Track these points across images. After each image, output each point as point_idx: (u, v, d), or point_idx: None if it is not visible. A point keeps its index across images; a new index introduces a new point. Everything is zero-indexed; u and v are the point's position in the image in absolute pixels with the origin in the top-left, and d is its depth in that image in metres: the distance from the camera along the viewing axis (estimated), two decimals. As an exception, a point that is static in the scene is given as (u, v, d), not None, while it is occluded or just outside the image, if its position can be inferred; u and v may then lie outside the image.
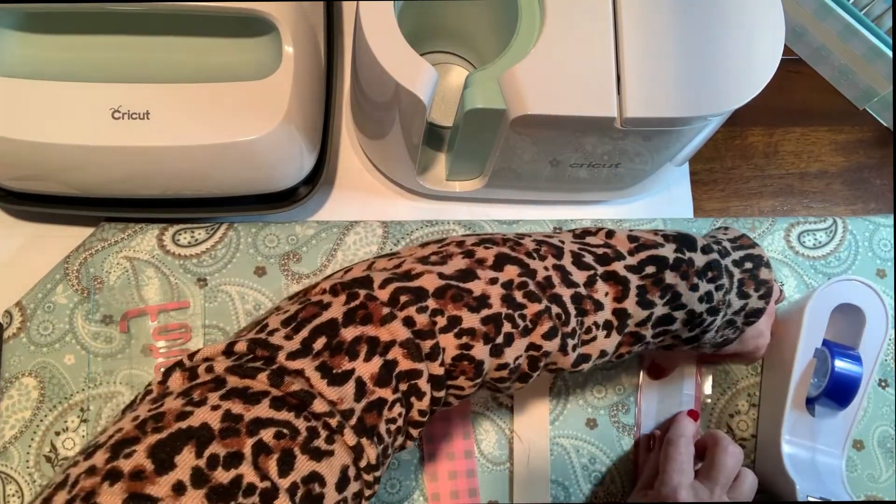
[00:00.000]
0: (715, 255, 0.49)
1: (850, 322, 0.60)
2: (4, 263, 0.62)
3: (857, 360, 0.58)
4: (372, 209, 0.67)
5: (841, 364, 0.57)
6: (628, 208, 0.69)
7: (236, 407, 0.34)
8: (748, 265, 0.51)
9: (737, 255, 0.52)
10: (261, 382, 0.36)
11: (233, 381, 0.36)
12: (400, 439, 0.41)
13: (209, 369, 0.37)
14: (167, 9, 0.55)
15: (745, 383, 0.63)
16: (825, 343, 0.59)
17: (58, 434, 0.57)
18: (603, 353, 0.46)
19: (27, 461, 0.56)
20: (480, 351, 0.41)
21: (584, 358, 0.46)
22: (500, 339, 0.42)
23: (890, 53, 0.68)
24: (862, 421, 0.63)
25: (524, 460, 0.60)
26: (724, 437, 0.54)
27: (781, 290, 0.60)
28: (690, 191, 0.70)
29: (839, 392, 0.57)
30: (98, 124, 0.53)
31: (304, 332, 0.38)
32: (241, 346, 0.37)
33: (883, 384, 0.64)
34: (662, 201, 0.70)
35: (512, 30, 0.54)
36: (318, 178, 0.62)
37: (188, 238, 0.62)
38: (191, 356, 0.38)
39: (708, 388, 0.63)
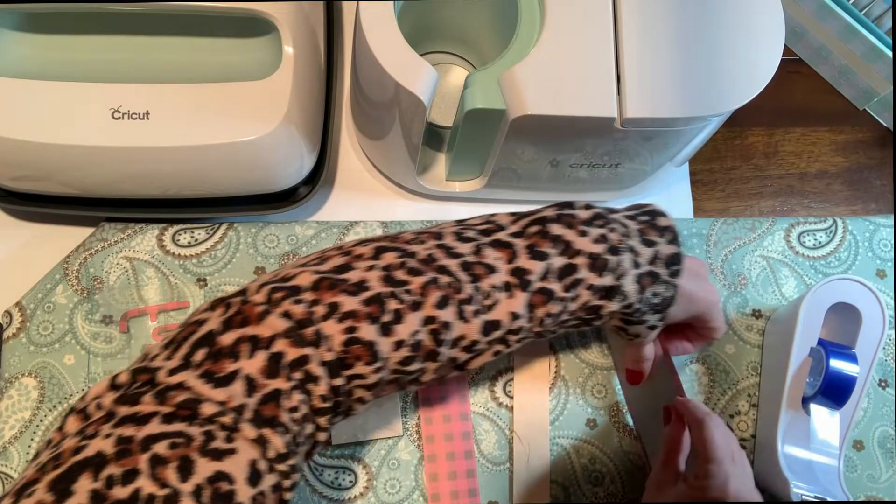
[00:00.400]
0: (598, 210, 0.50)
1: (847, 321, 0.60)
2: (4, 263, 0.62)
3: (852, 358, 0.58)
4: (372, 209, 0.67)
5: (836, 363, 0.57)
6: (628, 208, 0.69)
7: (128, 431, 0.35)
8: (643, 218, 0.51)
9: (628, 212, 0.51)
10: (147, 404, 0.37)
11: (122, 411, 0.37)
12: (308, 427, 0.40)
13: (99, 406, 0.38)
14: (167, 9, 0.55)
15: (745, 384, 0.63)
16: (821, 342, 0.59)
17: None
18: (514, 316, 0.45)
19: (27, 461, 0.56)
20: (368, 331, 0.41)
21: (494, 325, 0.45)
22: (387, 318, 0.42)
23: (890, 54, 0.68)
24: (862, 421, 0.63)
25: (524, 461, 0.60)
26: (705, 410, 0.53)
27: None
28: (690, 191, 0.70)
29: (834, 391, 0.57)
30: (98, 124, 0.53)
31: (184, 349, 0.39)
32: (123, 378, 0.39)
33: (883, 384, 0.64)
34: (662, 202, 0.69)
35: (512, 30, 0.54)
36: (318, 178, 0.62)
37: (188, 238, 0.62)
38: (82, 398, 0.39)
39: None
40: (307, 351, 0.40)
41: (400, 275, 0.43)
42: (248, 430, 0.37)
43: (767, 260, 0.66)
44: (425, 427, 0.59)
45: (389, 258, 0.44)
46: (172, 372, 0.38)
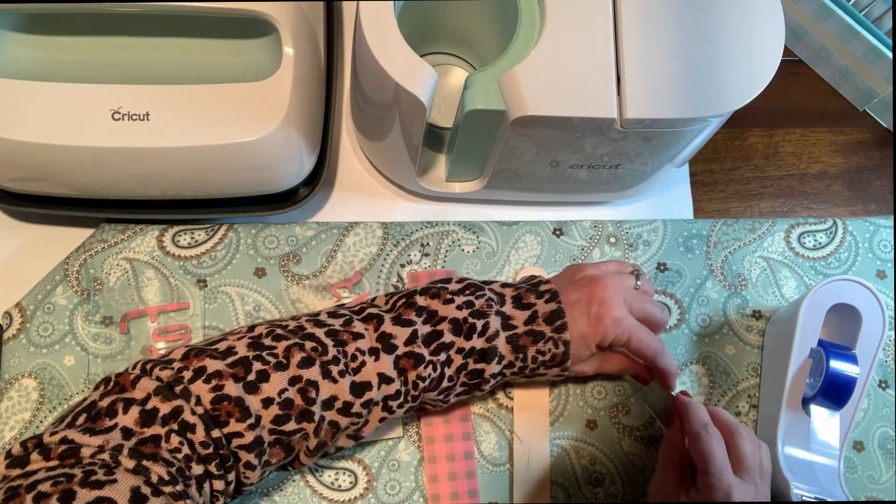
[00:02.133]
0: (471, 281, 0.53)
1: (847, 322, 0.60)
2: (4, 264, 0.62)
3: (852, 359, 0.58)
4: (372, 210, 0.67)
5: (836, 364, 0.57)
6: (628, 209, 0.69)
7: (17, 482, 0.38)
8: (522, 286, 0.54)
9: (504, 281, 0.55)
10: (34, 462, 0.40)
11: (14, 472, 0.40)
12: (197, 469, 0.43)
13: None
14: (167, 10, 0.55)
15: (746, 385, 0.63)
16: (821, 343, 0.59)
17: None
18: (384, 378, 0.48)
19: (27, 462, 0.56)
20: (233, 388, 0.44)
21: (364, 386, 0.48)
22: (251, 377, 0.45)
23: (890, 55, 0.68)
24: (862, 422, 0.63)
25: (524, 461, 0.60)
26: (733, 422, 0.52)
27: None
28: (690, 192, 0.70)
29: (834, 392, 0.57)
30: (98, 125, 0.53)
31: (68, 418, 0.43)
32: (15, 450, 0.42)
33: (883, 385, 0.64)
34: (662, 202, 0.70)
35: (512, 31, 0.54)
36: (318, 179, 0.62)
37: (188, 239, 0.62)
38: None
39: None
40: (179, 402, 0.43)
41: (266, 341, 0.47)
42: (127, 461, 0.40)
43: (767, 261, 0.66)
44: (425, 428, 0.59)
45: (259, 329, 0.49)
46: (55, 433, 0.41)
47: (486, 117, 0.53)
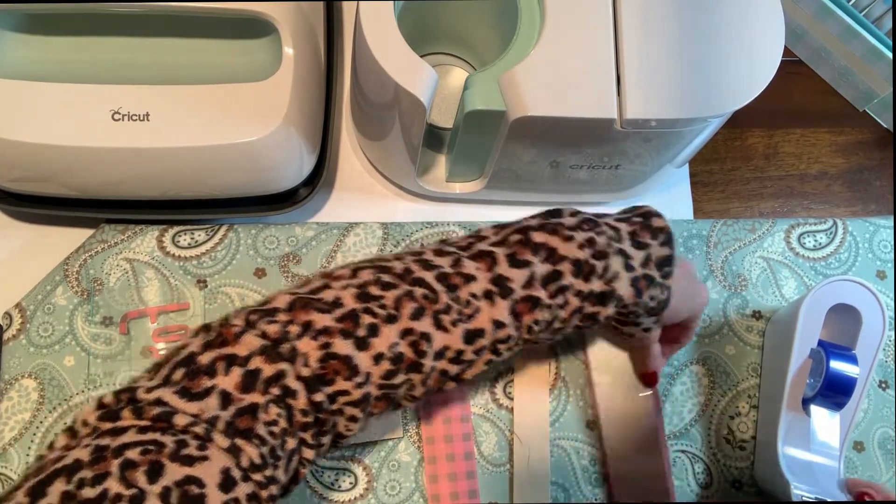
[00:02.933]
0: (586, 215, 0.49)
1: (847, 322, 0.60)
2: (4, 265, 0.62)
3: (852, 360, 0.57)
4: (372, 211, 0.67)
5: (836, 364, 0.57)
6: (628, 210, 0.69)
7: (104, 440, 0.37)
8: (636, 219, 0.50)
9: (620, 214, 0.51)
10: (125, 419, 0.38)
11: (104, 426, 0.38)
12: (291, 442, 0.41)
13: (85, 423, 0.39)
14: (167, 10, 0.55)
15: (746, 385, 0.63)
16: (821, 343, 0.59)
17: (57, 436, 0.57)
18: (498, 324, 0.45)
19: (27, 463, 0.56)
20: (343, 346, 0.42)
21: (477, 333, 0.45)
22: (361, 332, 0.42)
23: (890, 55, 0.68)
24: (862, 422, 0.63)
25: (524, 462, 0.60)
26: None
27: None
28: (690, 192, 0.70)
29: (835, 392, 0.57)
30: (98, 126, 0.53)
31: (164, 370, 0.41)
32: (108, 399, 0.40)
33: (883, 385, 0.64)
34: (662, 203, 0.69)
35: (512, 31, 0.54)
36: (318, 179, 0.62)
37: (188, 239, 0.62)
38: (73, 421, 0.41)
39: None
40: (283, 366, 0.40)
41: (374, 290, 0.44)
42: (221, 440, 0.38)
43: (768, 261, 0.66)
44: (425, 429, 0.59)
45: (365, 275, 0.45)
46: (150, 390, 0.39)
47: (486, 118, 0.53)
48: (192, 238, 0.62)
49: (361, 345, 0.42)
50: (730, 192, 0.72)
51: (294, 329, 0.42)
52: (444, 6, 0.62)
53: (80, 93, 0.53)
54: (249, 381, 0.40)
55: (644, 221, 0.50)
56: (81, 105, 0.53)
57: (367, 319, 0.43)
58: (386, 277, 0.45)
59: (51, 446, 0.39)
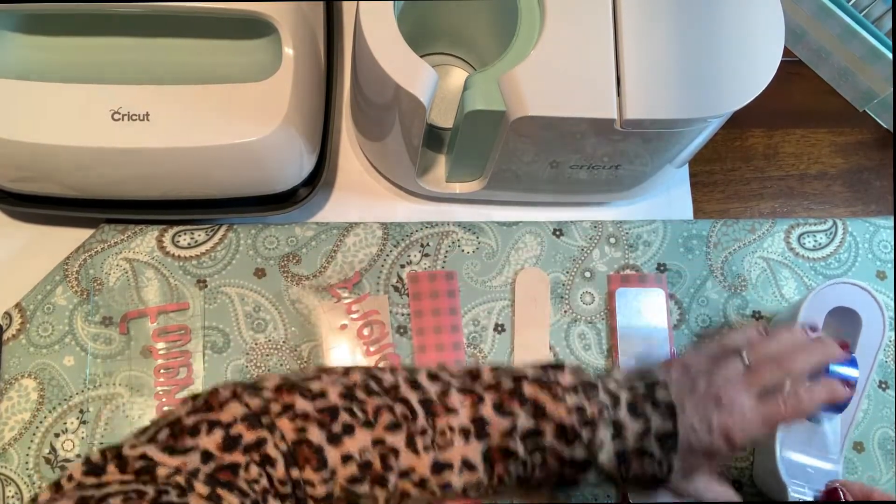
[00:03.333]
0: (588, 377, 0.48)
1: (846, 325, 0.60)
2: (4, 265, 0.62)
3: (852, 363, 0.57)
4: (372, 211, 0.67)
5: (836, 368, 0.56)
6: (628, 210, 0.69)
7: (88, 492, 0.37)
8: (639, 385, 0.48)
9: (622, 377, 0.48)
10: (111, 474, 0.39)
11: (89, 481, 0.39)
12: (273, 503, 0.41)
13: (70, 479, 0.40)
14: (167, 10, 0.55)
15: (745, 385, 0.63)
16: None
17: (57, 436, 0.57)
18: (468, 465, 0.45)
19: (27, 463, 0.56)
20: (316, 435, 0.42)
21: (446, 465, 0.44)
22: (336, 428, 0.43)
23: (890, 55, 0.68)
24: (862, 423, 0.63)
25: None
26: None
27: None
28: (690, 192, 0.70)
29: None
30: (98, 126, 0.53)
31: (150, 431, 0.42)
32: (95, 457, 0.41)
33: (883, 386, 0.64)
34: (662, 203, 0.69)
35: (512, 32, 0.54)
36: (318, 179, 0.62)
37: (188, 240, 0.62)
38: (59, 477, 0.42)
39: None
40: (263, 434, 0.41)
41: (359, 393, 0.45)
42: (201, 488, 0.38)
43: (767, 261, 0.66)
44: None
45: (355, 377, 0.46)
46: (135, 446, 0.40)
47: (486, 118, 0.53)
48: (192, 238, 0.62)
49: (334, 440, 0.43)
50: (730, 193, 0.72)
51: (275, 407, 0.43)
52: (444, 6, 0.62)
53: (80, 93, 0.53)
54: (231, 444, 0.41)
55: (646, 391, 0.47)
56: (81, 105, 0.53)
57: (345, 417, 0.44)
58: (374, 385, 0.46)
59: (34, 499, 0.40)
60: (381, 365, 0.60)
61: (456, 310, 0.62)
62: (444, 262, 0.64)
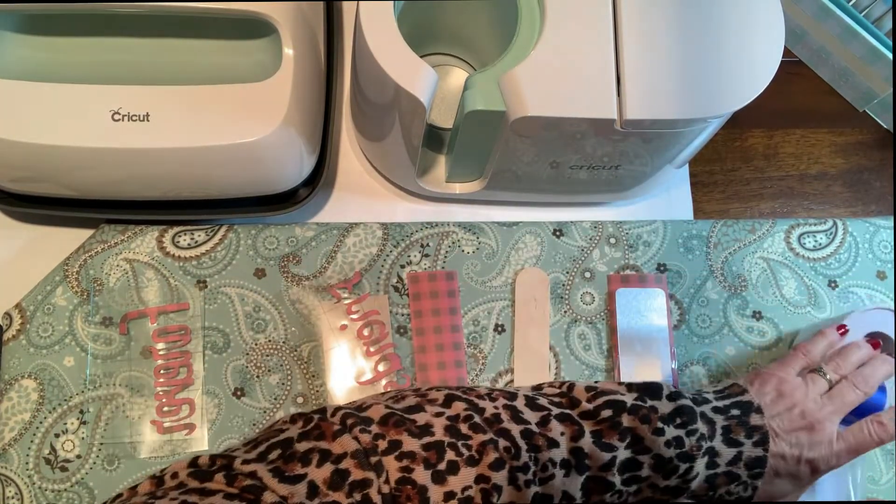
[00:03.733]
0: (685, 402, 0.48)
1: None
2: (4, 265, 0.62)
3: (882, 390, 0.55)
4: (372, 211, 0.67)
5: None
6: (628, 210, 0.69)
7: (192, 497, 0.37)
8: (735, 412, 0.49)
9: (720, 402, 0.50)
10: (217, 483, 0.39)
11: (192, 483, 0.39)
12: None
13: (174, 476, 0.40)
14: (167, 10, 0.55)
15: (746, 385, 0.63)
16: None
17: (57, 436, 0.57)
18: (567, 497, 0.45)
19: (27, 463, 0.56)
20: (422, 475, 0.42)
21: (546, 499, 0.45)
22: (442, 466, 0.43)
23: (890, 55, 0.68)
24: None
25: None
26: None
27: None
28: (690, 193, 0.70)
29: (859, 416, 0.54)
30: (98, 126, 0.53)
31: (262, 447, 0.42)
32: (203, 460, 0.41)
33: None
34: (662, 203, 0.69)
35: (512, 32, 0.54)
36: (318, 179, 0.62)
37: (188, 240, 0.62)
38: (161, 471, 0.41)
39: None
40: (370, 475, 0.41)
41: (463, 428, 0.44)
42: None
43: (768, 261, 0.66)
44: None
45: (458, 408, 0.45)
46: (247, 462, 0.40)
47: (486, 118, 0.53)
48: (192, 238, 0.62)
49: (438, 478, 0.43)
50: (730, 193, 0.72)
51: (383, 444, 0.43)
52: (444, 6, 0.62)
53: (80, 93, 0.53)
54: (338, 480, 0.40)
55: (742, 417, 0.49)
56: (81, 105, 0.53)
57: (450, 455, 0.43)
58: (477, 418, 0.45)
59: (134, 489, 0.40)
60: (379, 367, 0.60)
61: (456, 310, 0.62)
62: (444, 262, 0.64)
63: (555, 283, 0.64)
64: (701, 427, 0.48)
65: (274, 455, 0.41)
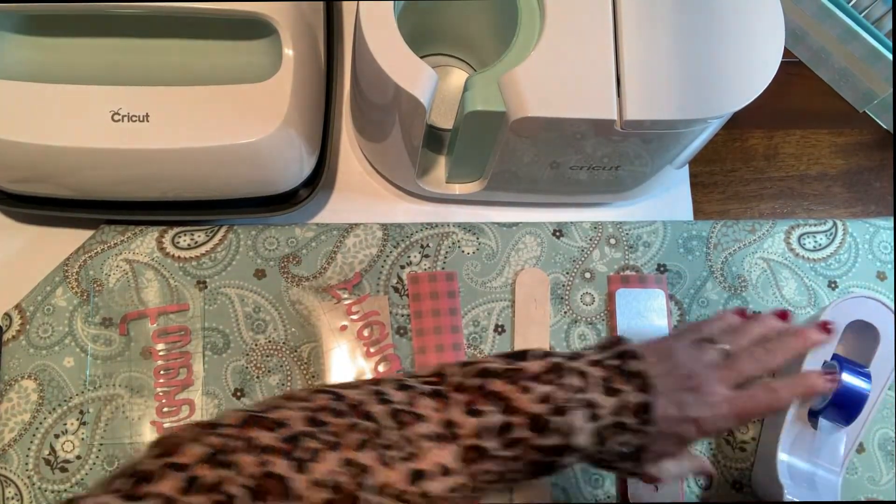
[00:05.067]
0: (556, 359, 0.47)
1: (863, 340, 0.60)
2: (4, 266, 0.62)
3: (866, 376, 0.56)
4: (372, 212, 0.67)
5: (849, 378, 0.56)
6: (628, 211, 0.69)
7: None
8: (611, 361, 0.48)
9: (598, 356, 0.48)
10: None
11: None
12: None
13: None
14: (167, 11, 0.55)
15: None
16: (835, 357, 0.58)
17: (57, 437, 0.57)
18: (444, 470, 0.44)
19: (26, 464, 0.56)
20: (282, 466, 0.41)
21: (421, 474, 0.44)
22: (303, 454, 0.42)
23: (890, 56, 0.68)
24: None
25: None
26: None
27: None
28: (690, 193, 0.70)
29: (844, 407, 0.56)
30: (98, 127, 0.53)
31: (108, 481, 0.41)
32: None
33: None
34: (662, 204, 0.70)
35: (512, 32, 0.54)
36: (318, 180, 0.62)
37: (188, 240, 0.62)
38: None
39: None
40: (224, 473, 0.40)
41: (323, 416, 0.44)
42: None
43: (768, 262, 0.66)
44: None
45: (321, 400, 0.45)
46: (95, 496, 0.39)
47: (486, 119, 0.53)
48: (192, 239, 0.62)
49: (301, 467, 0.42)
50: (730, 193, 0.72)
51: (235, 443, 0.42)
52: (444, 6, 0.62)
53: (80, 93, 0.53)
54: (190, 486, 0.40)
55: (620, 365, 0.48)
56: (81, 106, 0.53)
57: (310, 443, 0.43)
58: (340, 406, 0.45)
59: None
60: (380, 368, 0.60)
61: (456, 310, 0.62)
62: (445, 262, 0.64)
63: (555, 284, 0.64)
64: (573, 380, 0.46)
65: (121, 483, 0.40)
